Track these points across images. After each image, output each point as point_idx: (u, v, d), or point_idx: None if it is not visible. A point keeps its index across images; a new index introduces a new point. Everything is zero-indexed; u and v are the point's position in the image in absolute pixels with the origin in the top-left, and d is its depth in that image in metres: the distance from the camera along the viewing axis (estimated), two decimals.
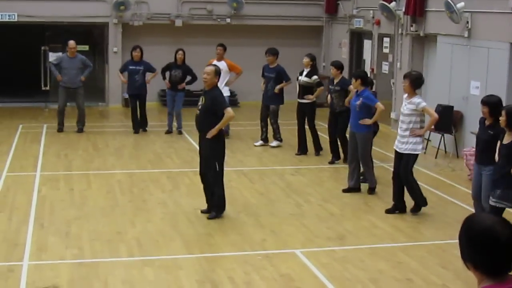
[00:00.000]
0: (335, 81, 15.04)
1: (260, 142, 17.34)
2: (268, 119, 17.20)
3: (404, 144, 11.54)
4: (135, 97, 18.67)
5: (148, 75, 18.78)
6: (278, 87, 16.81)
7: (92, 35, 24.73)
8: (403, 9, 18.59)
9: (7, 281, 8.72)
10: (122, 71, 18.93)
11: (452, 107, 16.05)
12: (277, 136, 17.20)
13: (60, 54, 18.86)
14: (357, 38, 22.64)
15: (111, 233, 10.54)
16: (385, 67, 20.10)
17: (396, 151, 11.74)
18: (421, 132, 11.49)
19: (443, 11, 16.21)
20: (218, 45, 18.12)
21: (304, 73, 16.20)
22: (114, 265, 9.36)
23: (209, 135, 10.92)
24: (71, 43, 18.54)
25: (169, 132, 18.61)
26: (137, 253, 9.78)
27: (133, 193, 12.90)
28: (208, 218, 11.20)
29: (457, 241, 10.08)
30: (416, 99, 11.47)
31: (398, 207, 11.84)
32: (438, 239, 10.64)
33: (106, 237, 10.35)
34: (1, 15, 21.67)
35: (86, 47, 22.24)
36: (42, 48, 22.94)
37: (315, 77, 16.10)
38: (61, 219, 11.19)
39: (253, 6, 23.43)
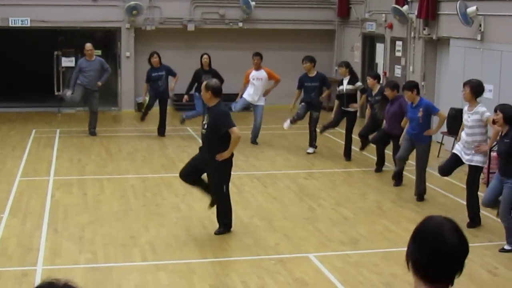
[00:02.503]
0: (374, 92, 14.70)
1: (312, 149, 16.93)
2: (309, 125, 16.82)
3: (472, 155, 11.13)
4: (159, 101, 18.66)
5: (171, 80, 18.68)
6: (324, 95, 16.73)
7: (104, 40, 24.78)
8: (416, 13, 18.55)
9: (21, 285, 8.75)
10: (147, 81, 18.68)
11: None
12: (313, 143, 16.87)
13: (82, 59, 18.81)
14: (369, 41, 22.59)
15: (124, 238, 10.56)
16: (398, 71, 20.06)
17: (455, 154, 11.43)
18: (486, 149, 11.13)
19: (455, 14, 16.17)
20: (254, 55, 17.81)
21: (345, 81, 15.88)
22: (128, 270, 9.38)
23: (220, 157, 10.33)
24: (88, 45, 18.55)
25: None
26: (150, 257, 9.79)
27: (147, 197, 12.92)
28: (215, 233, 10.73)
29: (471, 244, 10.07)
30: (480, 108, 11.06)
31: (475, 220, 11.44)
32: None
33: (119, 242, 10.37)
34: (14, 20, 21.74)
35: (98, 52, 22.28)
36: (55, 53, 23.00)
37: (358, 83, 15.97)
38: (74, 224, 11.22)
39: (265, 10, 23.43)
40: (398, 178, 13.79)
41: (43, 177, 14.28)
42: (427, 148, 12.76)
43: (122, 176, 14.54)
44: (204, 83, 10.57)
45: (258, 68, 17.65)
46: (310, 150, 16.83)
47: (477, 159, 11.12)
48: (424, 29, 18.49)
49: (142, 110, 18.86)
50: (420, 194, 12.93)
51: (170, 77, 18.64)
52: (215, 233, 10.70)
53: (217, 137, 10.31)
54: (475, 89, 11.10)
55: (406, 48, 19.55)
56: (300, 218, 11.73)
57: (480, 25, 15.79)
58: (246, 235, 10.79)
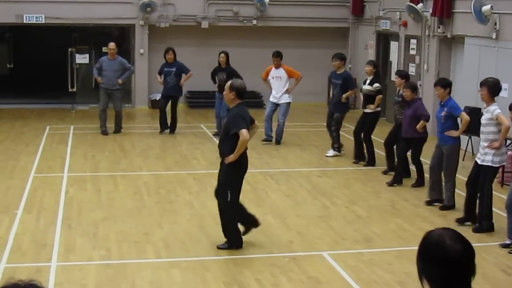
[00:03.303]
0: (398, 92, 14.09)
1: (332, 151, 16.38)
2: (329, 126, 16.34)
3: (484, 155, 10.90)
4: (167, 98, 18.70)
5: (183, 77, 18.72)
6: (344, 95, 15.96)
7: (118, 37, 24.84)
8: (430, 11, 18.49)
9: None
10: (159, 73, 18.88)
11: (480, 109, 15.91)
12: (335, 146, 16.27)
13: (104, 57, 18.83)
14: (383, 39, 22.54)
15: (138, 235, 10.57)
16: (412, 69, 19.99)
17: (475, 162, 11.18)
18: (497, 145, 10.74)
19: (470, 13, 16.11)
20: (274, 55, 17.67)
21: (367, 81, 15.35)
22: (142, 267, 9.38)
23: (227, 160, 9.81)
24: (111, 44, 18.62)
25: (217, 134, 17.63)
26: (164, 254, 9.80)
27: (160, 194, 12.93)
28: (218, 248, 10.03)
29: (484, 244, 10.05)
30: (492, 107, 10.81)
31: (468, 218, 11.16)
32: None
33: (133, 239, 10.39)
34: (29, 17, 21.81)
35: None
36: (69, 49, 23.06)
37: (376, 84, 15.21)
38: (88, 220, 11.24)
39: (279, 8, 23.40)
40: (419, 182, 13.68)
41: (57, 173, 14.31)
42: (452, 150, 12.10)
43: (136, 173, 14.56)
44: (229, 83, 9.99)
45: (277, 66, 17.60)
46: (330, 153, 16.28)
47: (488, 159, 10.85)
48: (439, 27, 18.43)
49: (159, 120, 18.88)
50: (447, 206, 12.22)
51: (183, 74, 18.65)
52: (218, 247, 10.04)
53: (230, 141, 9.77)
54: (493, 89, 10.87)
55: (421, 46, 19.49)
56: (314, 216, 11.72)
57: (495, 24, 15.73)
58: (259, 232, 10.75)
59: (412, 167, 13.92)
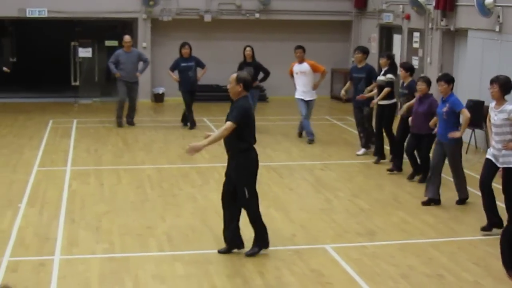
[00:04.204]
0: (404, 84, 13.91)
1: (363, 150, 15.83)
2: (360, 125, 15.90)
3: (503, 157, 10.33)
4: (190, 93, 18.72)
5: (199, 71, 18.78)
6: (368, 88, 15.46)
7: (121, 31, 24.83)
8: (434, 4, 18.46)
9: (38, 275, 8.78)
10: (172, 69, 18.72)
11: (483, 102, 15.90)
12: (373, 140, 15.63)
13: (120, 51, 18.81)
14: (386, 33, 22.51)
15: (141, 228, 10.58)
16: (415, 62, 19.95)
17: (488, 160, 10.68)
18: None
19: (473, 6, 16.08)
20: (297, 48, 17.30)
21: (382, 72, 15.06)
22: (144, 260, 9.39)
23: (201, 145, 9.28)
24: (127, 37, 18.77)
25: None
26: (167, 248, 9.81)
27: (163, 188, 12.93)
28: (246, 255, 9.57)
29: (488, 237, 10.02)
30: (508, 106, 10.28)
31: (492, 222, 10.71)
32: (469, 235, 10.56)
33: (136, 232, 10.40)
34: (31, 10, 21.82)
35: (115, 43, 22.35)
36: (72, 43, 23.07)
37: (389, 75, 14.83)
38: (91, 214, 11.25)
39: (282, 1, 23.38)
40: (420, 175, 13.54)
41: (60, 167, 14.33)
42: (454, 148, 11.90)
43: (139, 166, 14.57)
44: (235, 75, 9.39)
45: (301, 61, 17.23)
46: (361, 152, 15.83)
47: (510, 160, 10.32)
48: (442, 20, 18.40)
49: (183, 114, 18.99)
50: (462, 199, 12.14)
51: (198, 68, 18.73)
52: (246, 255, 9.58)
53: (235, 135, 9.25)
54: (504, 87, 10.40)
55: (424, 39, 19.47)
56: (317, 209, 11.72)
57: (499, 17, 15.70)
58: None
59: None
